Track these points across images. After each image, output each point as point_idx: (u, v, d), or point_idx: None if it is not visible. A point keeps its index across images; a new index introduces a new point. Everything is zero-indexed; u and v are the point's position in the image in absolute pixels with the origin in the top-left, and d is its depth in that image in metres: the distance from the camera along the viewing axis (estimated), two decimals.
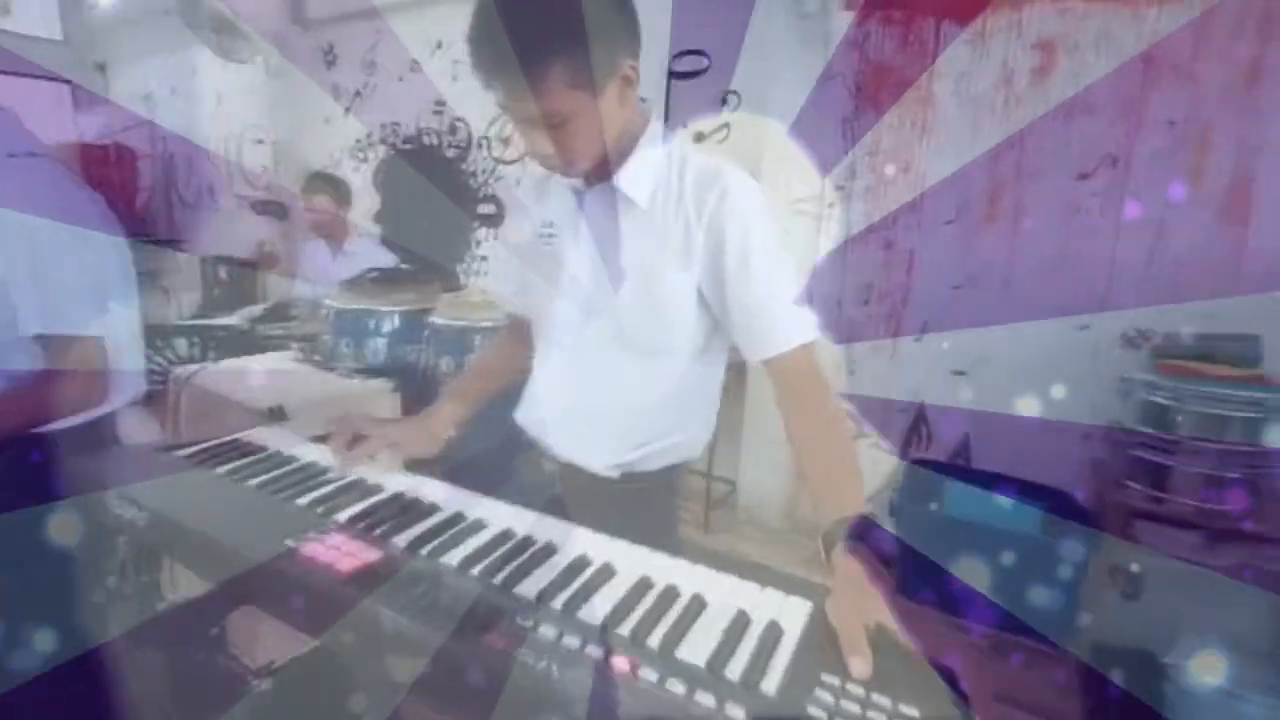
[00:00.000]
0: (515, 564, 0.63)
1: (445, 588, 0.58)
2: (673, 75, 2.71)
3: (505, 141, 3.27)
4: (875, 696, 0.46)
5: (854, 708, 0.45)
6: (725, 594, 0.59)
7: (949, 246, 2.35)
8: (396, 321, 1.88)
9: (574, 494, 0.94)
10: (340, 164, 3.92)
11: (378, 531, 0.68)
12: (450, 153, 3.47)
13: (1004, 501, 2.18)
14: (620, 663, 0.48)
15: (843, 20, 2.41)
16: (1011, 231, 2.26)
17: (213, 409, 1.52)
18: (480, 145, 3.36)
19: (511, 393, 1.08)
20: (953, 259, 2.36)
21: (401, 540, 0.67)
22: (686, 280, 0.84)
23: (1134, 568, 1.95)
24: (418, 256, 2.88)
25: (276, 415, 1.46)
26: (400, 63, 3.51)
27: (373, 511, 0.73)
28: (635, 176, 0.85)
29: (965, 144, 2.27)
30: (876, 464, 2.62)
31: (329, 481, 0.81)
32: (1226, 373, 1.87)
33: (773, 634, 0.53)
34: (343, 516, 0.72)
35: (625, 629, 0.54)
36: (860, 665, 0.49)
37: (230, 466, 0.84)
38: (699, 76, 2.67)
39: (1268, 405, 1.81)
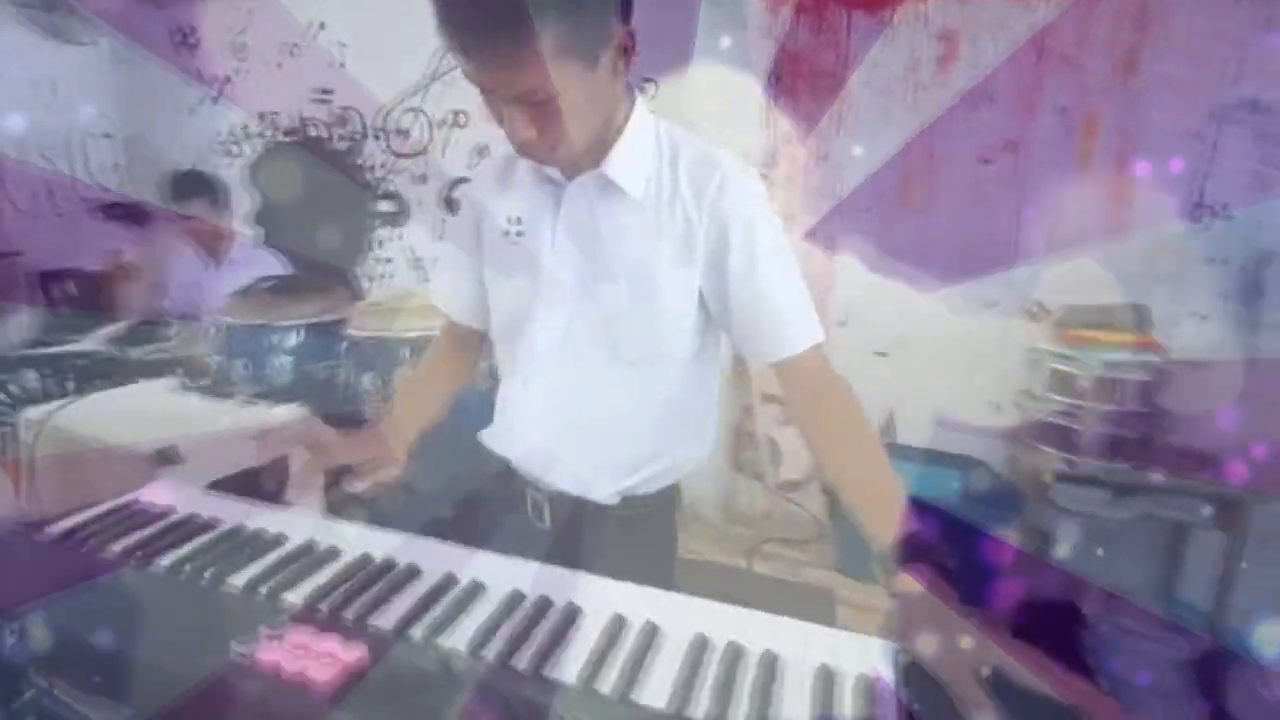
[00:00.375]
0: (539, 637, 0.52)
1: (459, 684, 0.47)
2: None
3: (404, 133, 3.02)
4: None
5: None
6: (792, 642, 0.52)
7: (868, 232, 2.41)
8: (302, 336, 1.66)
9: (568, 528, 0.83)
10: (207, 160, 3.49)
11: (350, 613, 0.55)
12: (340, 145, 3.17)
13: (926, 473, 2.27)
14: None
15: (756, 6, 2.39)
16: (924, 216, 2.35)
17: (82, 459, 1.27)
18: (375, 137, 3.09)
19: (452, 415, 0.96)
20: (871, 244, 2.42)
21: (384, 621, 0.54)
22: (687, 278, 0.75)
23: (1049, 526, 2.10)
24: (311, 263, 2.60)
25: (168, 458, 1.24)
26: (276, 46, 3.16)
27: (337, 584, 0.60)
28: (626, 163, 0.74)
29: (878, 132, 2.33)
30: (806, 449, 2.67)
31: (267, 547, 0.66)
32: (1121, 339, 2.03)
33: (867, 693, 0.47)
34: (297, 596, 0.58)
35: (699, 711, 0.45)
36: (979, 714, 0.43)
37: (126, 544, 0.66)
38: None
39: (1158, 367, 1.98)
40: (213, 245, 2.25)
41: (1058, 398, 2.09)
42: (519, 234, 0.81)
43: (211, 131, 3.46)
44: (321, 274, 2.15)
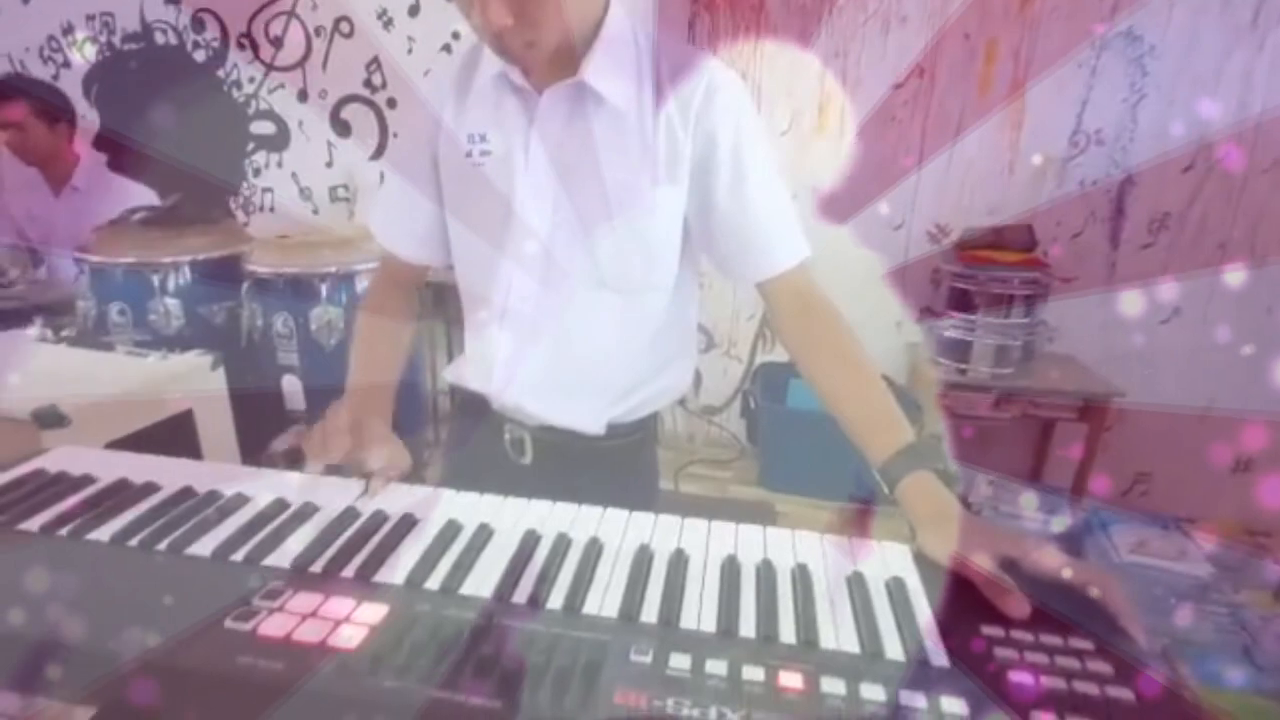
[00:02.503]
0: (565, 574, 0.51)
1: (495, 628, 0.44)
2: None
3: (276, 42, 2.66)
4: (1045, 637, 0.44)
5: (1041, 658, 0.42)
6: (804, 553, 0.54)
7: (783, 156, 2.43)
8: (189, 275, 1.48)
9: (552, 461, 0.80)
10: (25, 68, 2.93)
11: (348, 572, 0.51)
12: (199, 55, 2.75)
13: None
14: (790, 678, 0.41)
15: None
16: (838, 140, 2.39)
17: None
18: (241, 46, 2.70)
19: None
20: (787, 168, 2.45)
21: (394, 576, 0.51)
22: (675, 196, 0.71)
23: (940, 431, 2.31)
24: (180, 191, 2.29)
25: (50, 420, 1.08)
26: None
27: (325, 543, 0.55)
28: (606, 68, 0.68)
29: (795, 54, 2.32)
30: (728, 372, 2.76)
31: (228, 510, 0.59)
32: (1012, 258, 2.20)
33: (900, 594, 0.49)
34: (280, 560, 0.52)
35: (748, 629, 0.46)
36: (1017, 605, 0.46)
37: (47, 518, 0.57)
38: None
39: (1040, 282, 2.18)
40: (52, 168, 1.90)
41: (955, 313, 2.27)
42: (484, 152, 0.73)
43: (28, 35, 2.89)
44: (200, 204, 1.89)
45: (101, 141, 2.93)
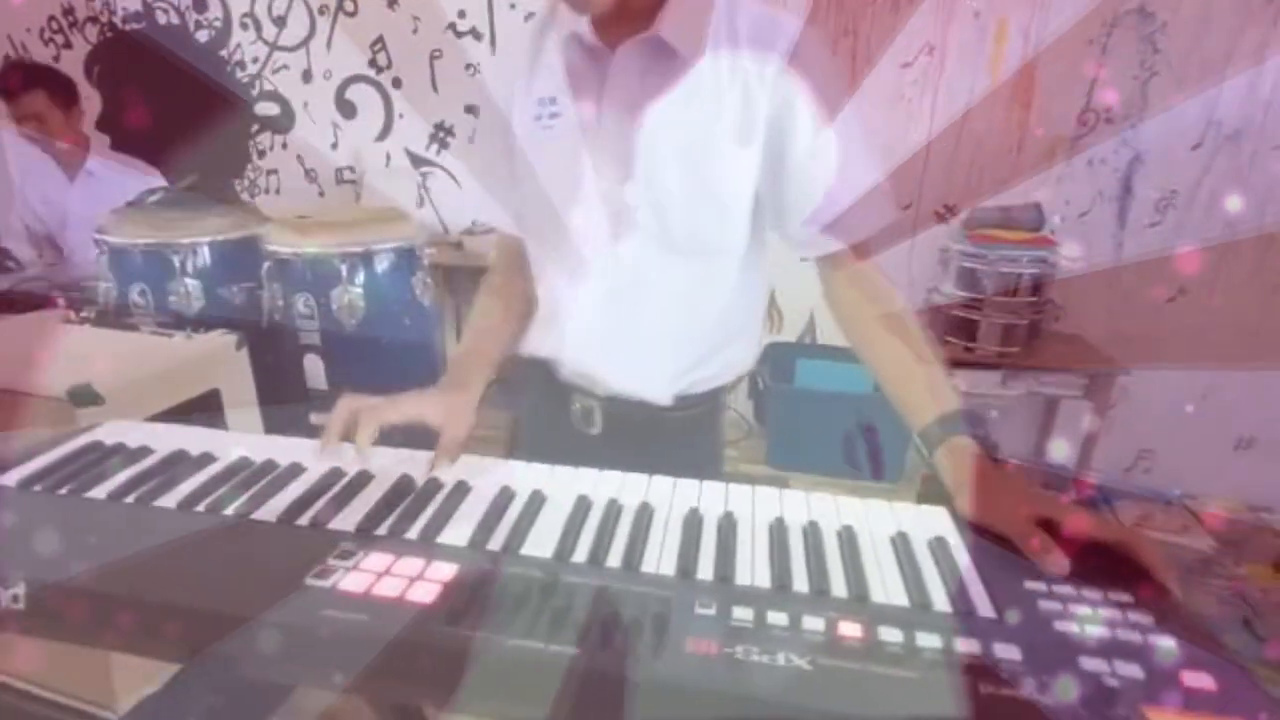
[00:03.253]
0: (620, 537, 0.53)
1: (563, 589, 0.46)
2: None
3: (280, 21, 2.64)
4: (1086, 591, 0.46)
5: (1085, 610, 0.45)
6: (855, 518, 0.56)
7: None
8: (208, 256, 1.49)
9: (620, 432, 0.81)
10: (26, 50, 2.90)
11: (412, 534, 0.53)
12: (201, 35, 2.72)
13: (844, 369, 2.45)
14: (849, 627, 0.43)
15: None
16: None
17: None
18: (244, 26, 2.67)
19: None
20: None
21: (456, 538, 0.53)
22: (748, 159, 0.68)
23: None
24: (187, 174, 2.28)
25: (84, 398, 1.09)
26: None
27: (387, 508, 0.57)
28: (682, 23, 0.66)
29: None
30: None
31: (286, 478, 0.61)
32: (1020, 237, 2.21)
33: (943, 552, 0.51)
34: (345, 524, 0.54)
35: (801, 584, 0.48)
36: (1057, 561, 0.47)
37: (109, 488, 0.58)
38: None
39: (1048, 260, 2.20)
40: (66, 153, 1.90)
41: (962, 293, 2.28)
42: (553, 115, 0.72)
43: (26, 16, 2.86)
44: (209, 184, 1.89)
45: (103, 122, 2.92)
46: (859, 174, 0.70)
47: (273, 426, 1.35)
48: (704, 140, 0.69)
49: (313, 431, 0.66)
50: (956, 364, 2.30)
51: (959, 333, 2.31)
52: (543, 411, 0.87)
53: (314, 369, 1.43)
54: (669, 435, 0.81)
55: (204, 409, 1.26)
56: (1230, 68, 2.07)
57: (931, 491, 0.68)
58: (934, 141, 2.35)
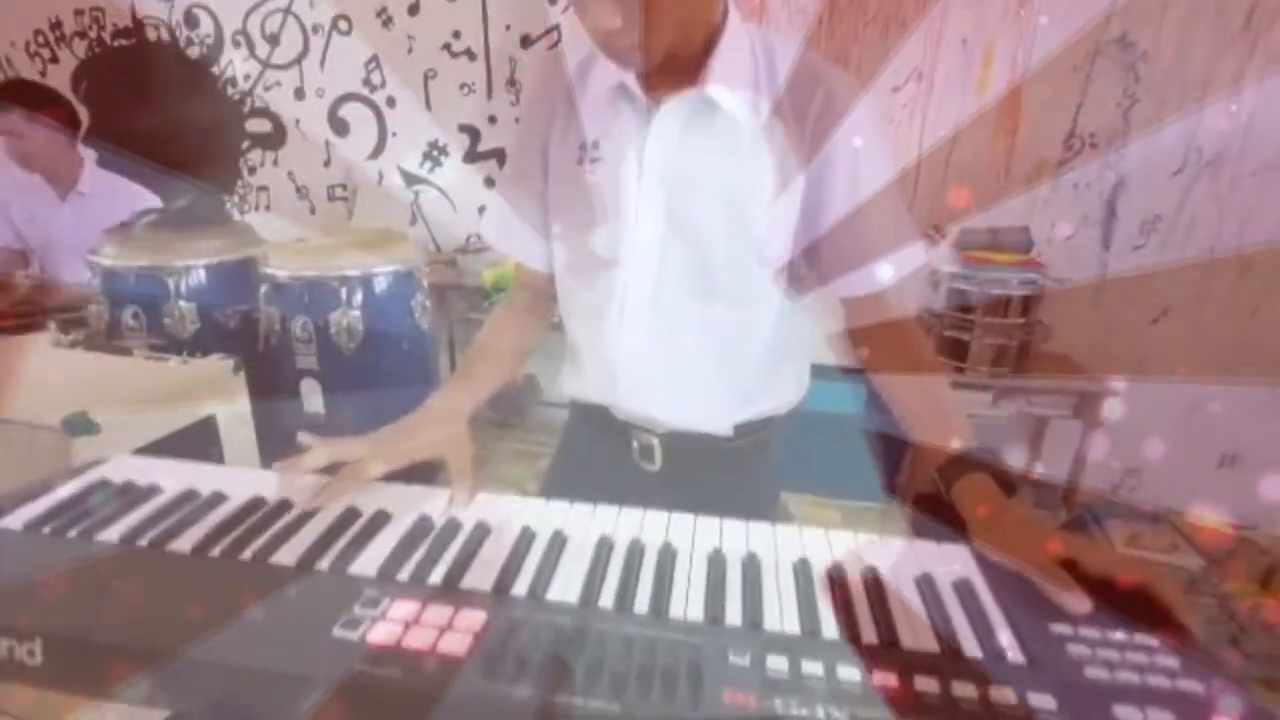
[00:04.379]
0: (649, 582, 0.53)
1: (621, 640, 0.46)
2: None
3: (273, 39, 2.63)
4: (1111, 634, 0.47)
5: (1112, 654, 0.45)
6: (871, 556, 0.56)
7: None
8: (204, 278, 1.47)
9: (680, 465, 0.82)
10: (10, 65, 2.87)
11: (435, 578, 0.52)
12: (192, 52, 2.71)
13: (837, 387, 2.46)
14: (884, 677, 0.43)
15: None
16: None
17: None
18: (236, 44, 2.66)
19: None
20: None
21: (483, 581, 0.52)
22: (789, 205, 0.70)
23: None
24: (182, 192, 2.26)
25: (80, 428, 1.07)
26: None
27: (407, 550, 0.56)
28: (726, 77, 0.67)
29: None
30: None
31: (301, 520, 0.60)
32: (1009, 259, 2.25)
33: (968, 594, 0.52)
34: (366, 568, 0.53)
35: (830, 630, 0.48)
36: (1078, 601, 0.48)
37: (121, 530, 0.57)
38: None
39: (1036, 283, 2.23)
40: (59, 173, 1.87)
41: (953, 313, 2.31)
42: (594, 160, 0.73)
43: (14, 30, 2.83)
44: (204, 205, 1.88)
45: (90, 137, 2.89)
46: (892, 219, 0.72)
47: (268, 452, 1.33)
48: (745, 192, 0.70)
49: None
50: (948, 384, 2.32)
51: (950, 353, 2.34)
52: (597, 451, 0.87)
53: (310, 393, 1.42)
54: (728, 465, 0.82)
55: (199, 436, 1.24)
56: (1209, 95, 2.13)
57: (925, 510, 0.69)
58: (923, 163, 2.39)
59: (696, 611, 0.49)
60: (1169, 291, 2.31)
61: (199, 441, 1.23)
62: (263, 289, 1.40)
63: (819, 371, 2.59)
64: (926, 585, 0.52)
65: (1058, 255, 2.35)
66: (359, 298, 1.41)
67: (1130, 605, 0.49)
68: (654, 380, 0.79)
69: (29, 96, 1.79)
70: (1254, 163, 2.14)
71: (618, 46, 0.63)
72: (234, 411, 1.28)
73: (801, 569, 0.54)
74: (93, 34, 2.77)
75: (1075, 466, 2.37)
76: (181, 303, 1.44)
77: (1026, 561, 0.52)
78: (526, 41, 2.45)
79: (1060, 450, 2.43)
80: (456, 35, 2.51)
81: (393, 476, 0.67)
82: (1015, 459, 2.64)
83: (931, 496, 0.65)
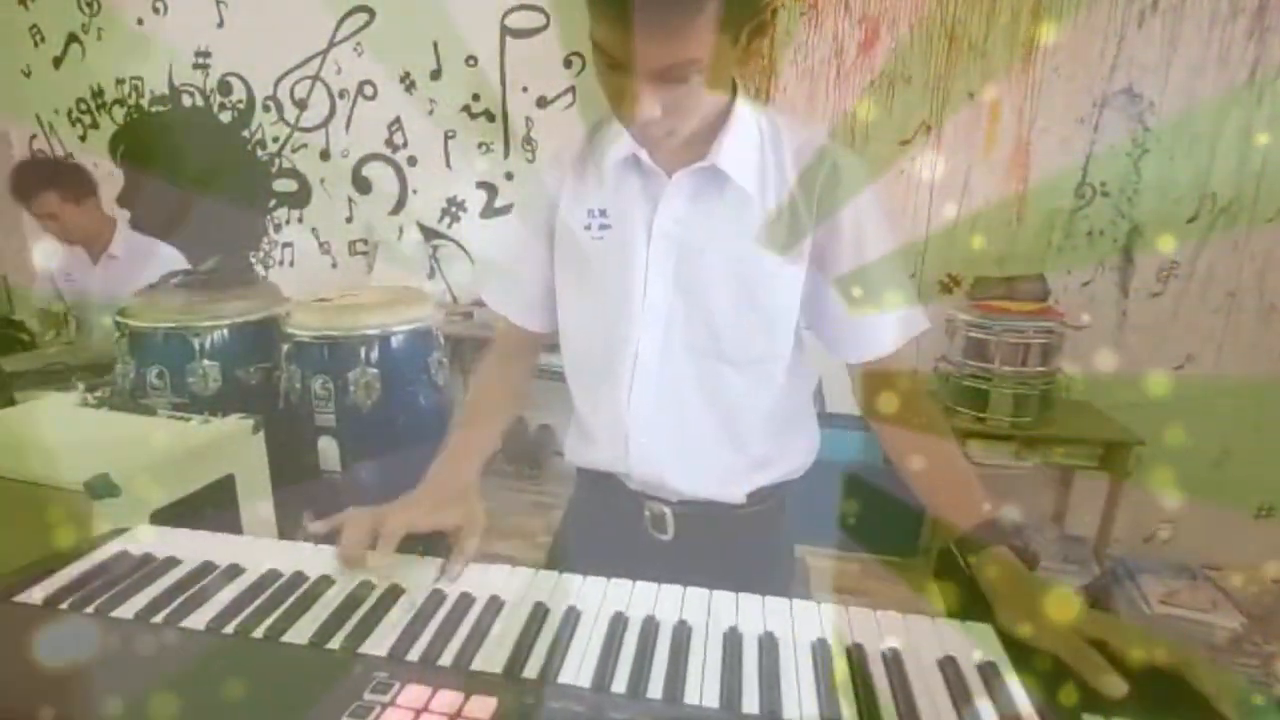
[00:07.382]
0: (662, 663, 0.51)
1: None
2: (507, 32, 2.48)
3: (301, 104, 2.75)
4: None
5: None
6: (891, 636, 0.54)
7: None
8: (227, 337, 1.50)
9: (694, 533, 0.81)
10: (56, 130, 3.02)
11: (447, 659, 0.52)
12: (225, 116, 2.84)
13: (853, 437, 2.43)
14: None
15: None
16: None
17: None
18: (266, 109, 2.79)
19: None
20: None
21: (494, 663, 0.51)
22: (795, 275, 0.72)
23: None
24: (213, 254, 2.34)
25: (102, 490, 1.08)
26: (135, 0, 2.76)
27: (418, 628, 0.55)
28: (736, 154, 0.70)
29: (804, 114, 2.40)
30: None
31: (315, 593, 0.60)
32: (1025, 308, 2.24)
33: (994, 679, 0.50)
34: (377, 648, 0.53)
35: (851, 716, 0.46)
36: (1114, 684, 0.46)
37: (137, 606, 0.57)
38: (536, 35, 2.47)
39: (1055, 331, 2.21)
40: (91, 241, 1.95)
41: (972, 362, 2.29)
42: (603, 227, 0.75)
43: (57, 98, 2.99)
44: (230, 266, 1.94)
45: (124, 199, 3.01)
46: (895, 286, 0.74)
47: (284, 512, 1.33)
48: (752, 260, 0.72)
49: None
50: (968, 434, 2.29)
51: (969, 403, 2.31)
52: (607, 520, 0.86)
53: (328, 451, 1.43)
54: (743, 531, 0.81)
55: (218, 495, 1.25)
56: (1219, 144, 2.14)
57: (948, 567, 0.67)
58: (934, 212, 2.41)
59: (712, 697, 0.48)
60: (1190, 339, 2.27)
61: (218, 501, 1.24)
62: (285, 347, 1.43)
63: (840, 421, 2.56)
64: (950, 669, 0.51)
65: (1074, 303, 2.34)
66: (376, 355, 1.43)
67: (1164, 680, 0.47)
68: (665, 448, 0.79)
69: (44, 175, 1.85)
70: (1270, 209, 2.13)
71: (646, 133, 0.65)
72: (253, 471, 1.29)
73: (820, 649, 0.53)
74: (131, 101, 2.92)
75: (1105, 520, 2.30)
76: (205, 361, 1.47)
77: (1055, 642, 0.51)
78: (543, 102, 2.54)
79: (1089, 502, 2.36)
80: (476, 98, 2.61)
81: (402, 547, 0.66)
82: (1042, 510, 2.57)
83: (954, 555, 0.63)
